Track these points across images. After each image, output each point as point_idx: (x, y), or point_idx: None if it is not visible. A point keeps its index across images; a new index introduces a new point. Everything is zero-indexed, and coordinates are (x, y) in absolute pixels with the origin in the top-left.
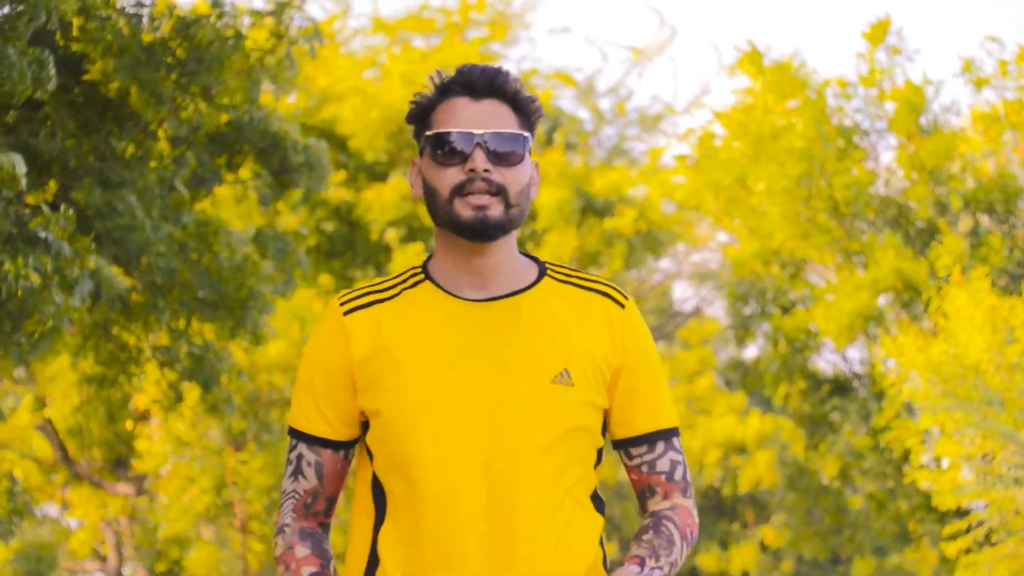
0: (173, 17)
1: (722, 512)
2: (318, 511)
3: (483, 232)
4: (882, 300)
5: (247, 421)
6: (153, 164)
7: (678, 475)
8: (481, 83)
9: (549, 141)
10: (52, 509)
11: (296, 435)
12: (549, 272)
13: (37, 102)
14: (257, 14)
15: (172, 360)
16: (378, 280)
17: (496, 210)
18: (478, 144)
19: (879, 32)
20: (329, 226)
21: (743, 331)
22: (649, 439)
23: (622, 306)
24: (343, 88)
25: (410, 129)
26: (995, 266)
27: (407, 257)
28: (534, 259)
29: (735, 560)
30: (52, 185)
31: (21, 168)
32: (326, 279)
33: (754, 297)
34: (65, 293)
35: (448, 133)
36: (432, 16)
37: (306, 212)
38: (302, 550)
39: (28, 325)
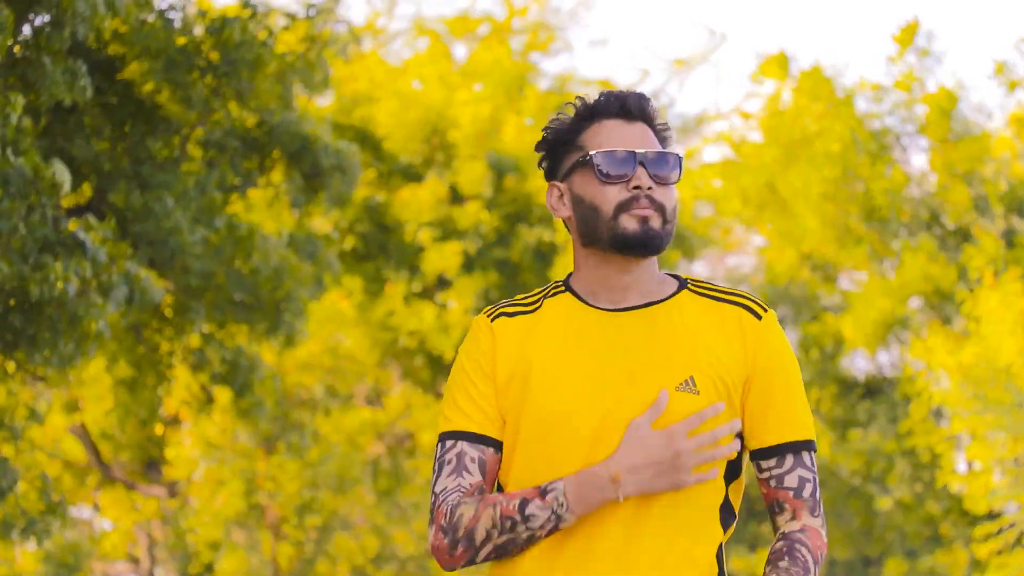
0: (206, 19)
1: (751, 514)
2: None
3: (648, 243)
4: (913, 303)
5: (277, 424)
6: (186, 167)
7: (807, 492)
8: (636, 107)
9: None
10: (85, 511)
11: (454, 436)
12: (690, 286)
13: (71, 107)
14: (290, 16)
15: (203, 364)
16: (521, 295)
17: (657, 222)
18: (641, 163)
19: (908, 35)
20: (362, 227)
21: None
22: (778, 451)
23: (759, 317)
24: (379, 90)
25: (442, 132)
26: None
27: (442, 257)
28: (676, 277)
29: (762, 563)
30: (87, 188)
31: (64, 176)
32: (355, 282)
33: (786, 302)
34: (103, 298)
35: (613, 152)
36: (475, 19)
37: (338, 214)
38: (494, 496)
39: (66, 329)
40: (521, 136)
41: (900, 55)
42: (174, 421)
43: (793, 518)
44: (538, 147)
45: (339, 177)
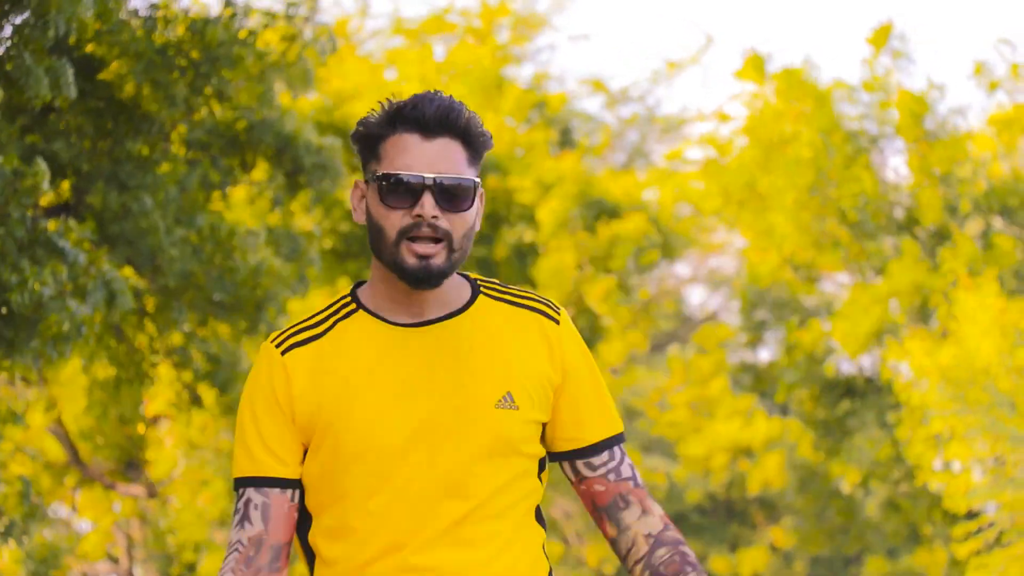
0: (187, 19)
1: (731, 515)
2: (261, 565)
3: (426, 280)
4: (894, 306)
5: None
6: (167, 167)
7: (639, 479)
8: (434, 120)
9: (564, 145)
10: (62, 510)
11: (243, 483)
12: (482, 290)
13: (50, 106)
14: (269, 14)
15: (187, 362)
16: (305, 317)
17: (440, 258)
18: (428, 188)
19: (882, 37)
20: (345, 227)
21: (754, 335)
22: (608, 445)
23: (556, 321)
24: (358, 89)
25: None
26: (1006, 268)
27: None
28: (465, 277)
29: (745, 563)
30: (66, 188)
31: (45, 175)
32: (343, 281)
33: (767, 304)
34: (79, 301)
35: (398, 176)
36: (455, 20)
37: (320, 213)
38: None
39: (43, 329)
40: (500, 135)
41: (875, 57)
42: (155, 420)
43: (644, 512)
44: (351, 140)
45: (322, 175)
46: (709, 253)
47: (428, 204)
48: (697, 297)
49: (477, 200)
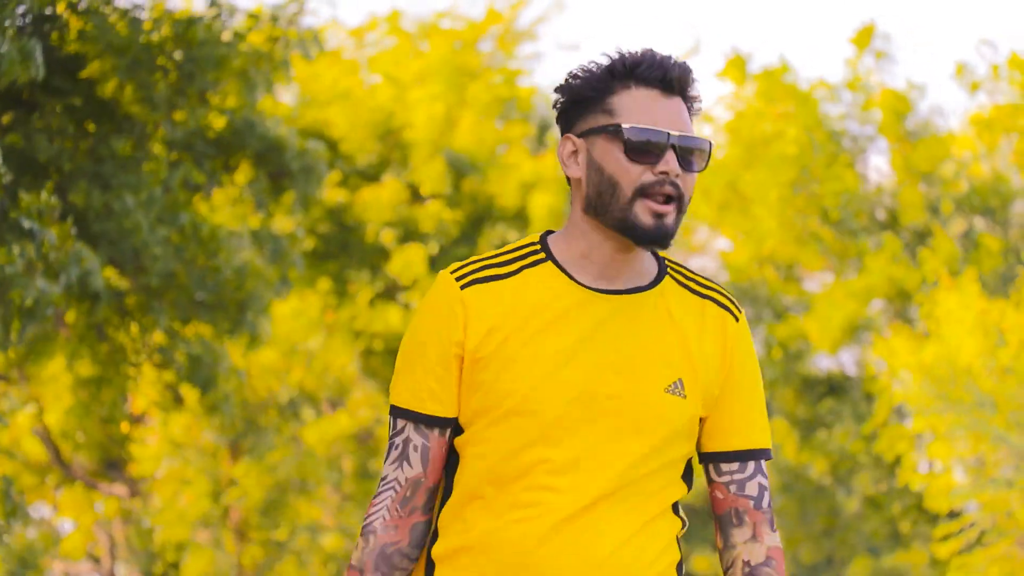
0: (171, 19)
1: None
2: (416, 506)
3: (659, 241)
4: (875, 305)
5: (243, 425)
6: (149, 167)
7: (765, 503)
8: (678, 80)
9: (542, 144)
10: (44, 510)
11: (403, 415)
12: (669, 271)
13: (31, 104)
14: (253, 17)
15: (169, 361)
16: (491, 253)
17: (671, 218)
18: (672, 146)
19: (865, 37)
20: (324, 228)
21: None
22: (742, 457)
23: (736, 319)
24: (333, 91)
25: (397, 132)
26: (989, 269)
27: (405, 258)
28: (654, 254)
29: None
30: (49, 188)
31: None
32: (323, 282)
33: (748, 302)
34: (50, 280)
35: (646, 129)
36: (451, 26)
37: (301, 214)
38: None
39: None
40: (477, 133)
41: (858, 57)
42: (138, 419)
43: (754, 537)
44: (558, 91)
45: (304, 177)
46: (691, 253)
47: (673, 161)
48: None
49: None
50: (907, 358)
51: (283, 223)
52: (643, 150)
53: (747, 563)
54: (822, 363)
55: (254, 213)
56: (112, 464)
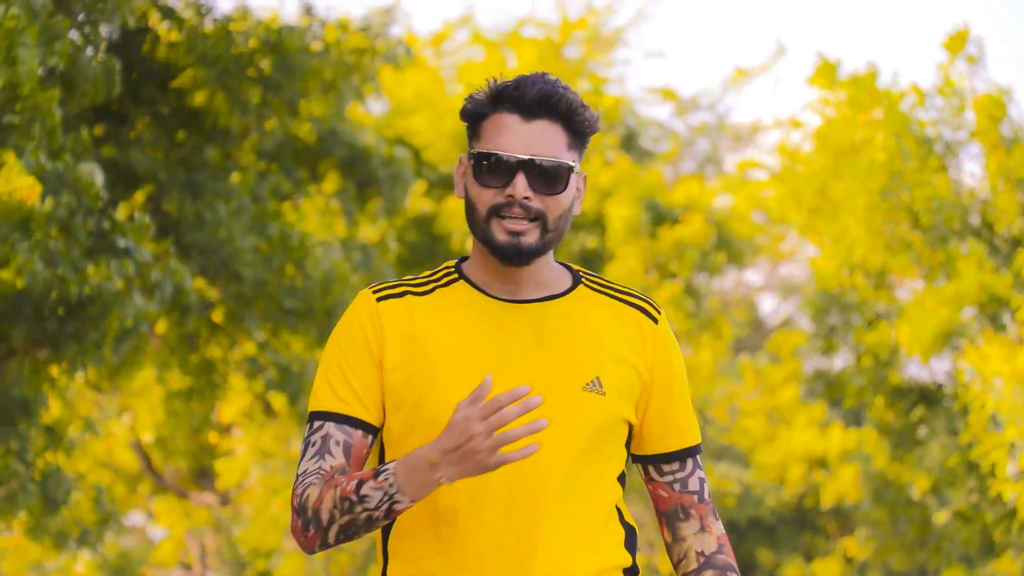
0: (262, 28)
1: (805, 524)
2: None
3: (516, 258)
4: (967, 312)
5: None
6: (239, 177)
7: (706, 495)
8: (533, 103)
9: (630, 150)
10: (138, 519)
11: (322, 416)
12: (584, 281)
13: (122, 116)
14: (342, 27)
15: (258, 372)
16: (409, 276)
17: (532, 236)
18: (521, 168)
19: (958, 42)
20: (411, 237)
21: (826, 342)
22: (681, 456)
23: (655, 320)
24: (416, 100)
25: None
26: None
27: None
28: (568, 267)
29: (819, 573)
30: (140, 197)
31: (99, 179)
32: None
33: (837, 309)
34: (146, 297)
35: (491, 155)
36: (532, 33)
37: (386, 223)
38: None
39: (106, 324)
40: None
41: (950, 62)
42: (227, 429)
43: (702, 528)
44: (460, 116)
45: (392, 185)
46: (780, 261)
47: (520, 184)
48: (769, 305)
49: (573, 183)
50: (999, 365)
51: (369, 232)
52: (490, 173)
53: (701, 553)
54: (912, 371)
55: (341, 221)
56: (203, 473)
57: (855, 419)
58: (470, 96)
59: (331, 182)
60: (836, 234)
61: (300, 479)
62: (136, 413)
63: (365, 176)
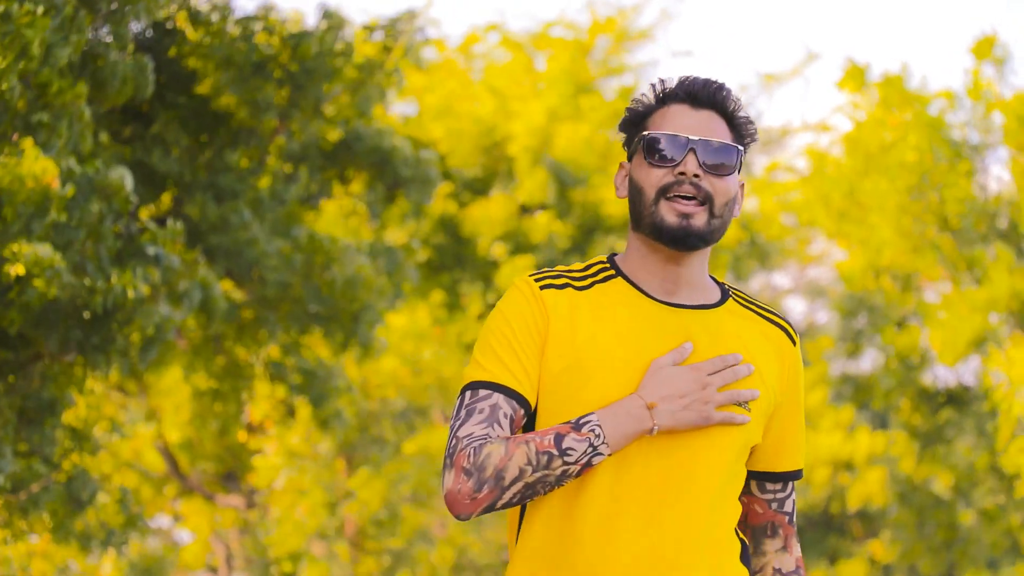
0: (284, 30)
1: (830, 527)
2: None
3: (684, 240)
4: (995, 317)
5: (357, 436)
6: (266, 180)
7: (794, 518)
8: (703, 94)
9: None
10: (164, 521)
11: (490, 387)
12: (733, 295)
13: (149, 117)
14: (366, 28)
15: (282, 375)
16: (564, 267)
17: (700, 219)
18: (691, 149)
19: (985, 47)
20: (437, 240)
21: (853, 344)
22: (786, 478)
23: (794, 343)
24: (442, 104)
25: (501, 144)
26: None
27: (515, 270)
28: (716, 280)
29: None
30: (165, 200)
31: (129, 183)
32: (437, 294)
33: (864, 311)
34: (173, 305)
35: (663, 135)
36: (560, 34)
37: (413, 226)
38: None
39: (129, 331)
40: (585, 143)
41: (977, 66)
42: (256, 430)
43: (784, 548)
44: (619, 127)
45: (418, 186)
46: (808, 264)
47: (691, 162)
48: (797, 308)
49: (738, 171)
50: None
51: (396, 235)
52: (661, 153)
53: (778, 570)
54: (940, 374)
55: (367, 224)
56: (229, 475)
57: (881, 422)
58: (632, 104)
59: (358, 184)
60: (864, 237)
61: (467, 441)
62: (162, 415)
63: (393, 178)
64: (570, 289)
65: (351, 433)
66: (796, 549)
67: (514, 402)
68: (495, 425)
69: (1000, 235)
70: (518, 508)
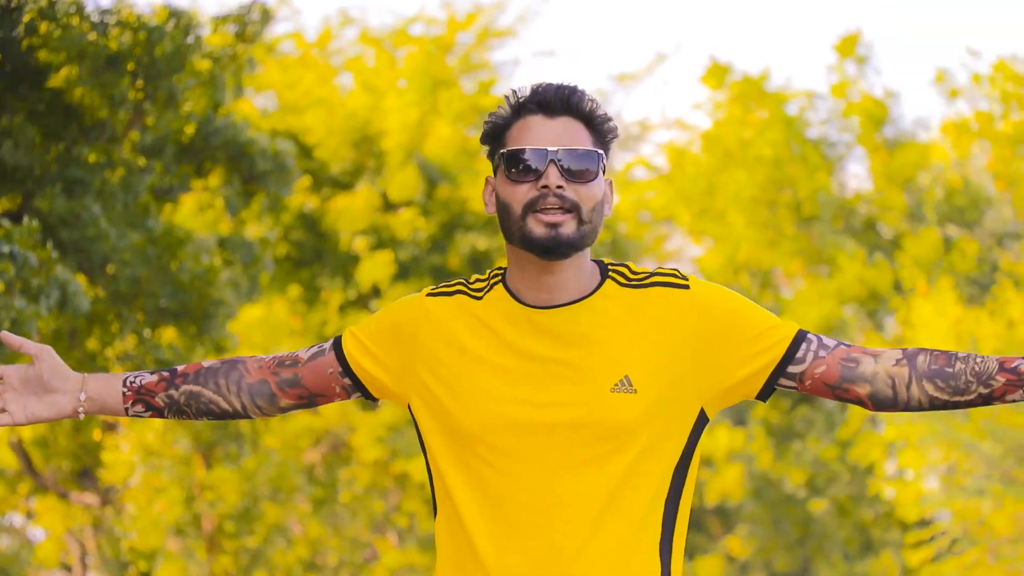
0: (137, 25)
1: (688, 523)
2: (279, 376)
3: (555, 250)
4: (847, 310)
5: (216, 433)
6: (119, 172)
7: (843, 343)
8: (556, 101)
9: None
10: (17, 519)
11: (338, 340)
12: (611, 274)
13: None
14: (217, 20)
15: (138, 368)
16: (473, 277)
17: (569, 227)
18: (552, 160)
19: (848, 45)
20: (297, 235)
21: None
22: (795, 347)
23: (686, 287)
24: (309, 97)
25: (372, 139)
26: (962, 275)
27: (376, 266)
28: (599, 263)
29: (701, 572)
30: (15, 195)
31: None
32: (295, 289)
33: None
34: (29, 301)
35: (522, 150)
36: (421, 31)
37: (272, 220)
38: (186, 368)
39: None
40: (451, 141)
41: (840, 64)
42: (111, 427)
43: (874, 355)
44: (480, 140)
45: (275, 178)
46: (665, 261)
47: (553, 174)
48: None
49: (602, 174)
50: None
51: (255, 230)
52: (522, 168)
53: (898, 360)
54: None
55: (225, 218)
56: (85, 473)
57: (739, 419)
58: (490, 117)
59: (216, 178)
60: (722, 234)
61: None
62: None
63: (249, 171)
64: (462, 296)
65: (208, 429)
66: (882, 349)
67: (341, 358)
68: (303, 351)
69: (854, 231)
70: (442, 517)
